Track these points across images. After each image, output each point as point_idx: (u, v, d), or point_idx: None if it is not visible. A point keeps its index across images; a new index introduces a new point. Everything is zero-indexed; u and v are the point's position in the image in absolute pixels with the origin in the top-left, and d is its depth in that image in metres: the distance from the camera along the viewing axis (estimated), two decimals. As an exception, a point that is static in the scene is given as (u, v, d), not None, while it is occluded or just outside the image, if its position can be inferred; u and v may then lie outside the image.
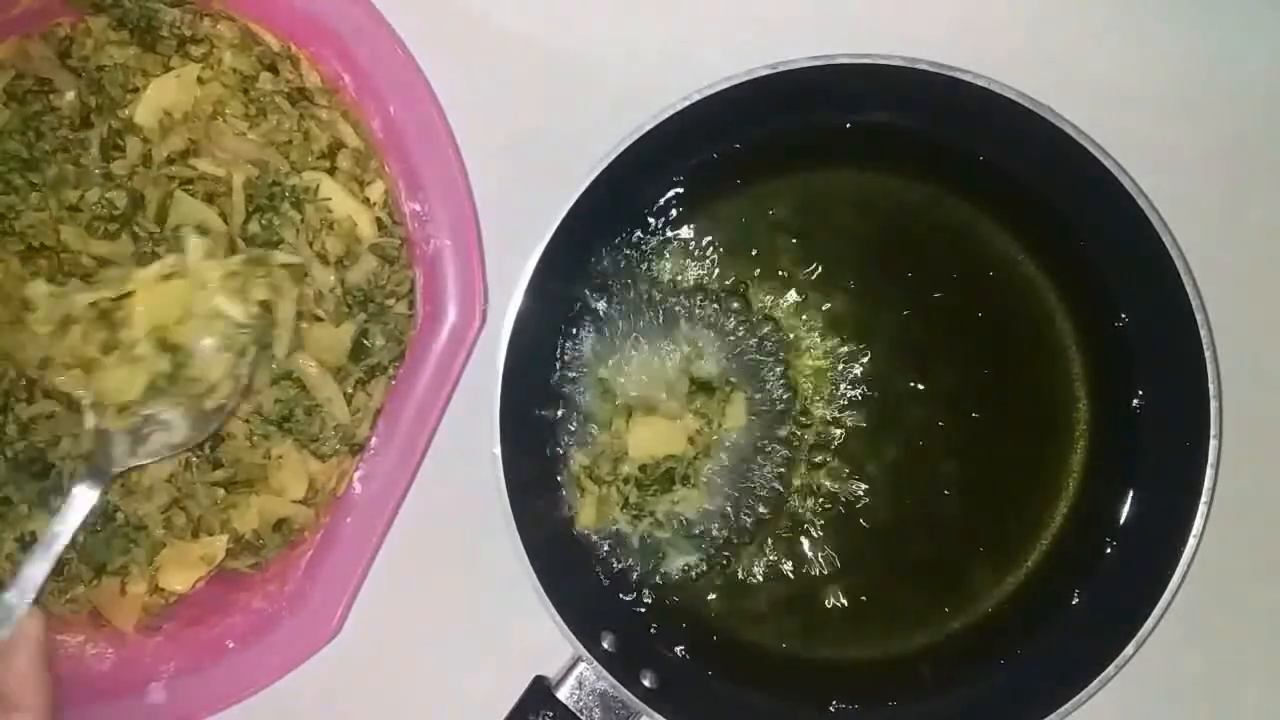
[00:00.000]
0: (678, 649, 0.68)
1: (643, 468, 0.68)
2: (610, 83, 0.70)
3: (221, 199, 0.65)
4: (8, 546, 0.65)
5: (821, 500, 0.68)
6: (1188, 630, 0.66)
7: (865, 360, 0.68)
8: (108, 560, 0.66)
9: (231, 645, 0.63)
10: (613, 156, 0.62)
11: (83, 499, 0.61)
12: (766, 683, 0.68)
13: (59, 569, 0.65)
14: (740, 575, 0.69)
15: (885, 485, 0.69)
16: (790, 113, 0.66)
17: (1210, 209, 0.69)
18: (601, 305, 0.68)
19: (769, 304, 0.68)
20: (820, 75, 0.62)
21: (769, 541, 0.68)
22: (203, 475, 0.66)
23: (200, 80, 0.66)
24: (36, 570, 0.59)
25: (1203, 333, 0.62)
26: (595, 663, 0.63)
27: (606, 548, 0.68)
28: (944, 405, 0.68)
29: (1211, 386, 0.62)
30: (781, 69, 0.61)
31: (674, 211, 0.68)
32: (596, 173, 0.62)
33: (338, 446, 0.66)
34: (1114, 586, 0.66)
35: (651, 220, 0.68)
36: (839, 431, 0.68)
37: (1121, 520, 0.67)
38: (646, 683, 0.65)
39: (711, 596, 0.69)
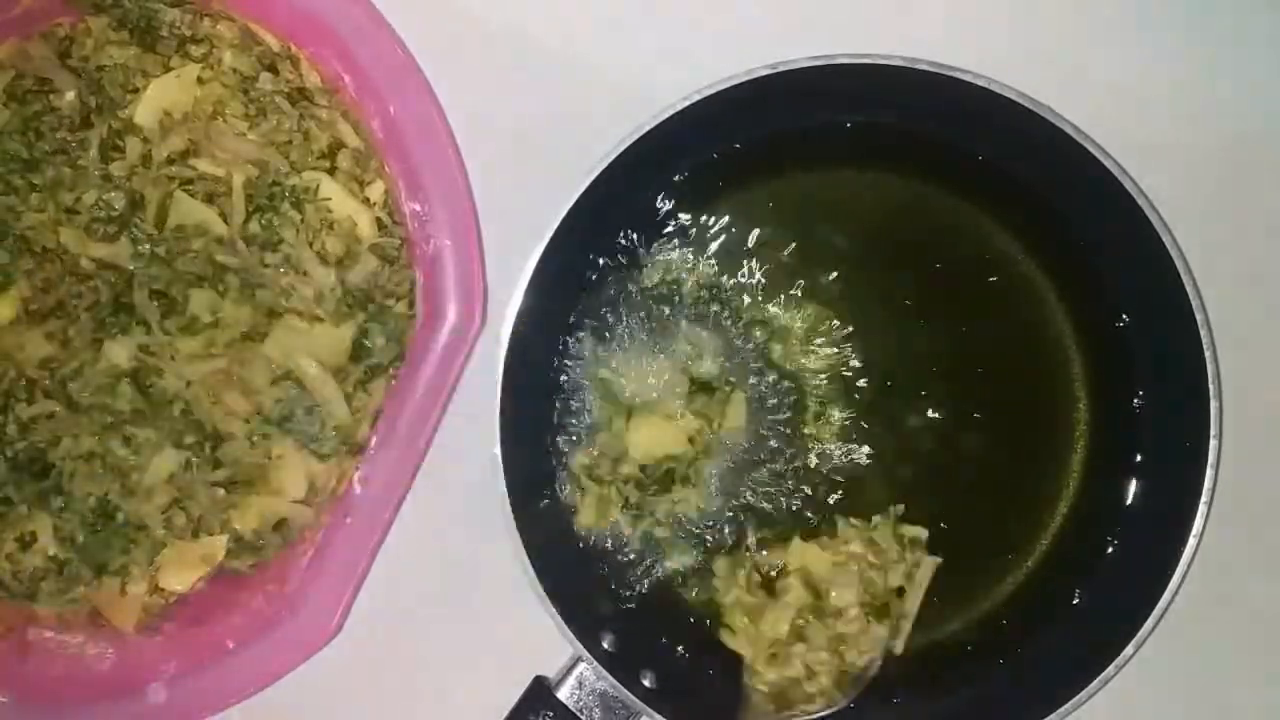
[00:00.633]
0: (678, 649, 0.68)
1: (643, 468, 0.68)
2: (610, 83, 0.70)
3: (221, 199, 0.66)
4: (8, 546, 0.65)
5: (819, 500, 0.68)
6: (1188, 630, 0.66)
7: (865, 361, 0.68)
8: (108, 560, 0.66)
9: (231, 645, 0.63)
10: (613, 156, 0.62)
11: None
12: (766, 683, 0.68)
13: (59, 569, 0.66)
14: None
15: (884, 486, 0.69)
16: (790, 113, 0.66)
17: (1210, 209, 0.69)
18: (602, 305, 0.68)
19: (769, 303, 0.68)
20: (820, 75, 0.62)
21: (769, 541, 0.68)
22: (203, 475, 0.66)
23: (200, 80, 0.66)
24: None
25: (1203, 333, 0.62)
26: (595, 663, 0.63)
27: (606, 548, 0.68)
28: (944, 405, 0.68)
29: (1211, 386, 0.62)
30: (781, 69, 0.61)
31: (674, 211, 0.68)
32: (596, 173, 0.62)
33: (337, 446, 0.66)
34: (1114, 586, 0.66)
35: (651, 220, 0.68)
36: (838, 432, 0.68)
37: (1121, 520, 0.67)
38: (646, 683, 0.65)
39: (712, 596, 0.68)
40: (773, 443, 0.68)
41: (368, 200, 0.67)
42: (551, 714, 0.64)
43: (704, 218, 0.68)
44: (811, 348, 0.69)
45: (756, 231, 0.68)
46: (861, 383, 0.68)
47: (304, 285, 0.65)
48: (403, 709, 0.71)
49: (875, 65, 0.61)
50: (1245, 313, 0.68)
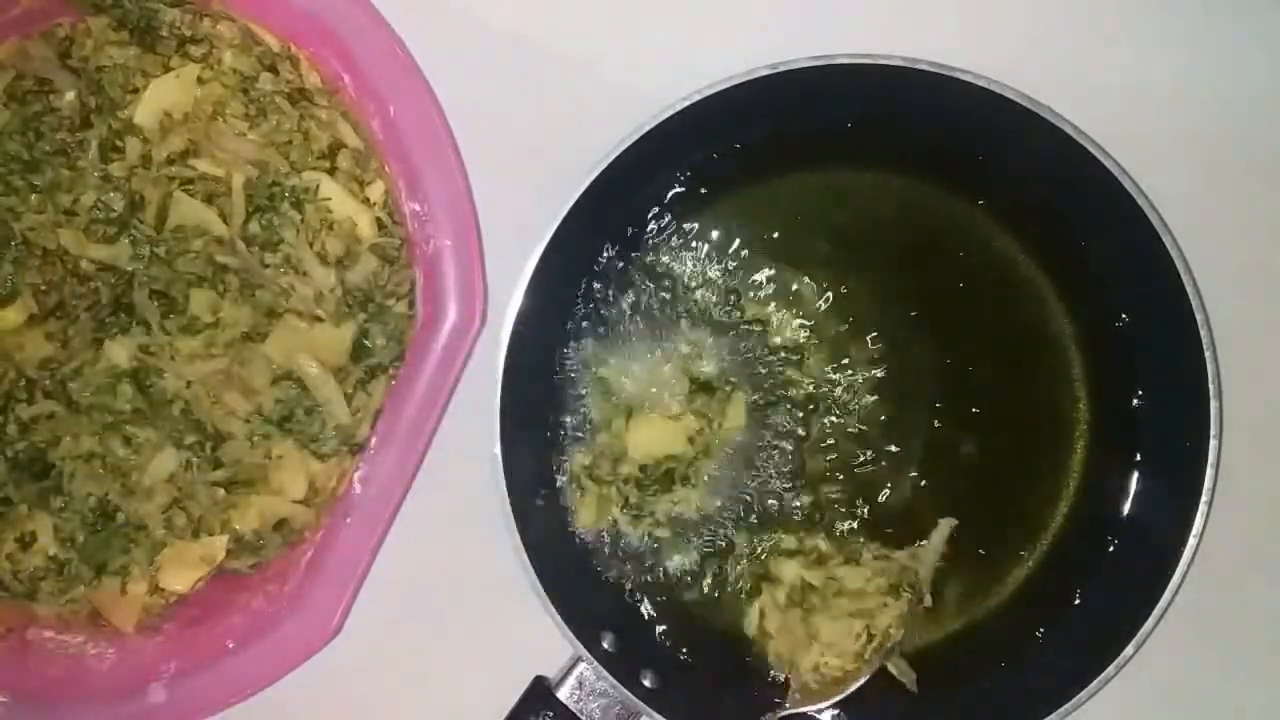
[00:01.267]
0: (678, 649, 0.68)
1: (643, 468, 0.68)
2: (610, 83, 0.70)
3: (221, 199, 0.65)
4: (8, 546, 0.65)
5: (820, 500, 0.68)
6: (1188, 630, 0.66)
7: (864, 361, 0.68)
8: (108, 560, 0.66)
9: (231, 645, 0.63)
10: (613, 156, 0.62)
11: None
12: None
13: (59, 569, 0.66)
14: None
15: (884, 485, 0.68)
16: (790, 113, 0.66)
17: (1210, 209, 0.69)
18: (601, 305, 0.68)
19: (769, 303, 0.68)
20: (820, 75, 0.62)
21: (768, 541, 0.68)
22: (203, 475, 0.66)
23: (200, 80, 0.66)
24: None
25: (1203, 333, 0.62)
26: (595, 663, 0.63)
27: (606, 548, 0.68)
28: (944, 405, 0.68)
29: (1211, 386, 0.62)
30: (781, 69, 0.61)
31: (674, 211, 0.68)
32: (596, 173, 0.62)
33: (338, 446, 0.66)
34: (1114, 586, 0.66)
35: (651, 220, 0.68)
36: (838, 432, 0.68)
37: (1121, 520, 0.67)
38: (646, 683, 0.65)
39: (711, 596, 0.68)
40: (772, 442, 0.68)
41: (368, 200, 0.67)
42: (551, 714, 0.64)
43: (704, 218, 0.68)
44: (811, 347, 0.68)
45: (756, 231, 0.68)
46: (861, 382, 0.68)
47: (304, 285, 0.65)
48: (403, 709, 0.71)
49: (875, 65, 0.62)
50: (1245, 313, 0.68)
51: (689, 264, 0.69)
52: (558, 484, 0.68)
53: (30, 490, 0.65)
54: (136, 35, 0.66)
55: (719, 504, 0.68)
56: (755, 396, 0.68)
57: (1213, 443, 0.62)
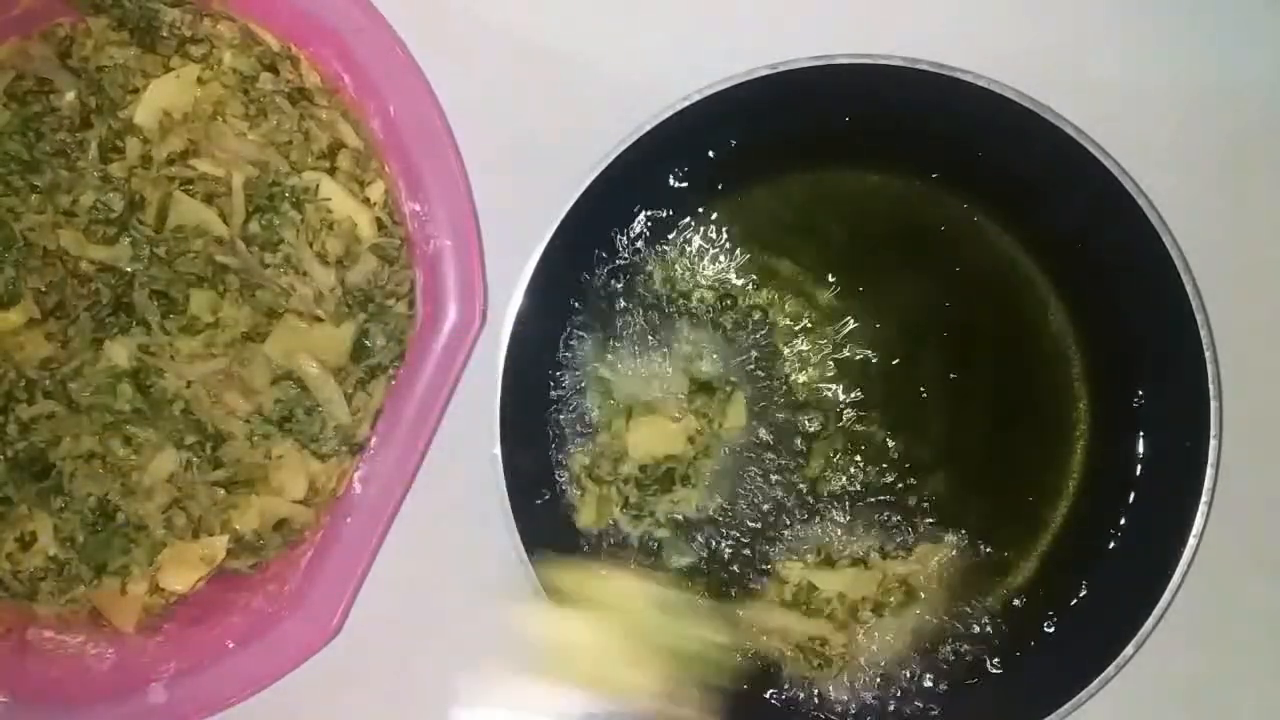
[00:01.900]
0: (678, 649, 0.68)
1: (643, 468, 0.68)
2: (610, 83, 0.70)
3: (221, 199, 0.66)
4: (8, 546, 0.65)
5: (820, 500, 0.68)
6: (1188, 630, 0.66)
7: (864, 360, 0.68)
8: (108, 560, 0.66)
9: (231, 645, 0.63)
10: (613, 156, 0.62)
11: None
12: (768, 683, 0.68)
13: (59, 569, 0.66)
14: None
15: (884, 485, 0.68)
16: (790, 113, 0.66)
17: (1210, 209, 0.69)
18: (601, 305, 0.68)
19: (769, 303, 0.68)
20: (820, 75, 0.62)
21: (768, 541, 0.68)
22: (203, 475, 0.66)
23: (200, 80, 0.66)
24: None
25: (1203, 333, 0.62)
26: (595, 663, 0.63)
27: (607, 548, 0.68)
28: (944, 405, 0.68)
29: (1211, 386, 0.62)
30: (781, 69, 0.61)
31: (674, 211, 0.68)
32: (597, 172, 0.62)
33: (338, 446, 0.66)
34: (1114, 586, 0.66)
35: (651, 220, 0.68)
36: (837, 432, 0.68)
37: (1121, 520, 0.67)
38: (646, 683, 0.65)
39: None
40: (772, 442, 0.68)
41: (368, 200, 0.67)
42: (551, 714, 0.64)
43: (704, 217, 0.68)
44: (811, 347, 0.69)
45: (756, 231, 0.68)
46: (861, 381, 0.68)
47: (304, 285, 0.65)
48: (403, 709, 0.71)
49: (875, 65, 0.62)
50: (1245, 313, 0.68)
51: (689, 264, 0.69)
52: (558, 484, 0.68)
53: (30, 490, 0.65)
54: (136, 35, 0.66)
55: (719, 504, 0.68)
56: (755, 396, 0.68)
57: (1213, 443, 0.62)
